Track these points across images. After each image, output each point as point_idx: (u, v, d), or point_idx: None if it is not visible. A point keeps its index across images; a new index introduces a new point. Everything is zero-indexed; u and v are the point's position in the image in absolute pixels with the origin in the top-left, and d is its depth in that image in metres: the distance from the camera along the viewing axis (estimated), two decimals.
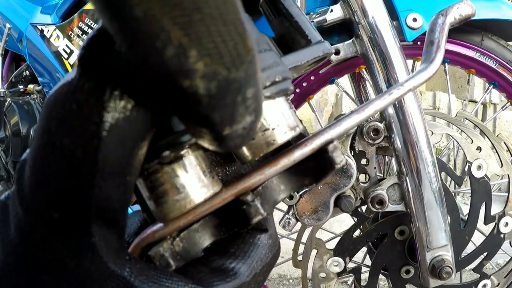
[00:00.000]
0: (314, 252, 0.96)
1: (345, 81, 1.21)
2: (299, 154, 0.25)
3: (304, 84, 1.00)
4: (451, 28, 0.32)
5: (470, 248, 0.95)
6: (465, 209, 0.98)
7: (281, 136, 0.24)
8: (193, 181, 0.23)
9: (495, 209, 0.94)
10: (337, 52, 0.87)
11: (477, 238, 1.00)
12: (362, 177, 0.85)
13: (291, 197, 0.76)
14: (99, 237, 0.20)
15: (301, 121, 0.26)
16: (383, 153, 0.87)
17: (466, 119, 0.93)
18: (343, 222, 1.72)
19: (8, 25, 1.37)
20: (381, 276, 0.97)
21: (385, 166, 1.20)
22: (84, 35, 1.14)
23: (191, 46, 0.16)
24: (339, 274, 0.95)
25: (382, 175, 1.17)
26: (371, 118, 0.85)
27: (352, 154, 0.82)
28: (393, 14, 0.86)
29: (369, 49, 0.84)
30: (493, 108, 3.30)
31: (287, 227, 0.80)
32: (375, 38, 0.83)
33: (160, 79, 0.17)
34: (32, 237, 0.20)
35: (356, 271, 0.99)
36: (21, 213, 0.21)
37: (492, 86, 1.02)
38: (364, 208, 0.95)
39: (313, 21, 0.86)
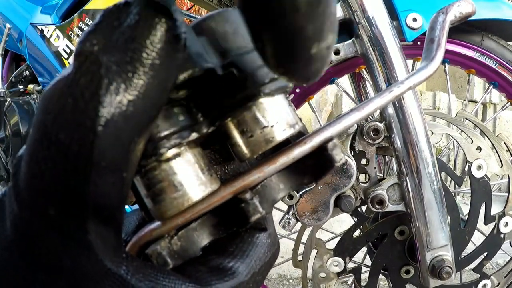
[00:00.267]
0: (314, 252, 0.96)
1: (345, 81, 1.21)
2: (298, 152, 0.25)
3: (304, 84, 1.00)
4: (451, 27, 0.32)
5: (470, 248, 0.95)
6: (465, 209, 0.98)
7: (280, 133, 0.24)
8: (191, 178, 0.23)
9: (495, 209, 0.94)
10: (337, 52, 0.87)
11: (477, 238, 1.00)
12: (362, 177, 0.85)
13: (291, 197, 0.76)
14: (96, 235, 0.20)
15: (300, 119, 0.26)
16: (383, 153, 0.87)
17: (466, 119, 0.93)
18: (343, 222, 1.72)
19: (8, 25, 1.37)
20: (381, 276, 0.97)
21: (385, 166, 1.20)
22: None
23: None
24: (339, 274, 0.95)
25: (382, 175, 1.17)
26: (371, 118, 0.85)
27: (352, 154, 0.82)
28: (393, 14, 0.86)
29: (369, 49, 0.84)
30: (493, 108, 3.30)
31: (287, 227, 0.80)
32: (375, 38, 0.83)
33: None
34: (27, 234, 0.20)
35: (356, 271, 0.99)
36: (16, 209, 0.20)
37: (492, 86, 1.02)
38: (364, 208, 0.95)
39: None
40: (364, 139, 0.81)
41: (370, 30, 0.83)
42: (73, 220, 0.20)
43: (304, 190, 0.76)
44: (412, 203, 0.84)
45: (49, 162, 0.19)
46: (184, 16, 1.25)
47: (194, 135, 0.23)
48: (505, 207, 0.94)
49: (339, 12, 0.85)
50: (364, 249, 1.02)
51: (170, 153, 0.23)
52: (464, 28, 0.96)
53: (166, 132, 0.22)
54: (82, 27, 1.17)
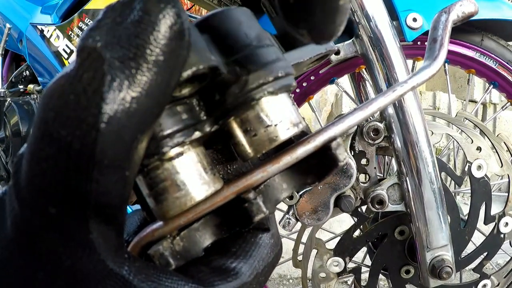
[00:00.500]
0: (314, 252, 0.96)
1: (345, 81, 1.21)
2: (302, 151, 0.25)
3: (304, 84, 1.00)
4: (453, 26, 0.32)
5: (470, 248, 0.95)
6: (465, 209, 0.98)
7: (284, 132, 0.24)
8: (194, 178, 0.23)
9: (495, 209, 0.94)
10: (337, 52, 0.87)
11: (477, 238, 1.00)
12: (362, 177, 0.85)
13: (291, 197, 0.76)
14: (97, 234, 0.20)
15: (303, 118, 0.26)
16: (383, 153, 0.87)
17: (466, 119, 0.93)
18: (343, 222, 1.72)
19: (8, 25, 1.37)
20: (381, 276, 0.97)
21: (385, 166, 1.20)
22: None
23: None
24: (339, 274, 0.95)
25: (382, 175, 1.17)
26: (371, 118, 0.85)
27: (352, 154, 0.82)
28: (393, 14, 0.86)
29: (369, 49, 0.84)
30: (493, 108, 3.30)
31: (287, 227, 0.80)
32: (375, 38, 0.83)
33: None
34: (27, 233, 0.20)
35: (356, 271, 0.99)
36: (17, 208, 0.20)
37: (492, 86, 1.02)
38: (364, 208, 0.95)
39: None
40: (364, 139, 0.81)
41: (370, 30, 0.83)
42: (75, 219, 0.19)
43: (304, 190, 0.76)
44: (412, 203, 0.84)
45: (50, 159, 0.19)
46: None
47: (197, 134, 0.23)
48: (505, 207, 0.94)
49: None
50: (364, 249, 1.02)
51: (173, 152, 0.22)
52: (464, 28, 0.96)
53: (169, 131, 0.22)
54: (82, 27, 1.17)
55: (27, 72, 1.42)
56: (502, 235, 0.94)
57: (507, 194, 0.94)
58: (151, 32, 0.19)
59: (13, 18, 1.38)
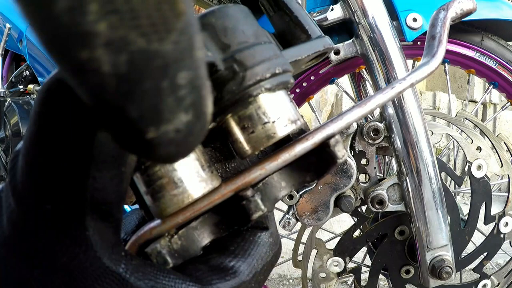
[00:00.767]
0: (314, 252, 0.96)
1: (345, 81, 1.21)
2: (300, 148, 0.25)
3: (304, 84, 1.00)
4: (451, 26, 0.32)
5: (470, 248, 0.95)
6: (465, 209, 0.98)
7: (282, 129, 0.24)
8: (191, 175, 0.23)
9: (495, 209, 0.94)
10: (337, 52, 0.87)
11: (477, 238, 1.00)
12: (362, 177, 0.85)
13: (291, 197, 0.76)
14: (94, 231, 0.19)
15: (302, 116, 0.26)
16: (383, 153, 0.87)
17: (466, 119, 0.93)
18: (343, 222, 1.72)
19: (8, 25, 1.36)
20: (381, 276, 0.97)
21: (385, 166, 1.20)
22: None
23: None
24: (339, 274, 0.95)
25: (382, 175, 1.17)
26: (371, 118, 0.85)
27: (352, 154, 0.82)
28: (393, 14, 0.86)
29: (369, 49, 0.84)
30: (493, 108, 3.30)
31: (287, 227, 0.80)
32: (375, 38, 0.83)
33: (53, 45, 0.12)
34: (24, 230, 0.20)
35: (356, 271, 0.98)
36: (13, 205, 0.20)
37: (492, 86, 1.02)
38: (364, 208, 0.95)
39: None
40: (364, 139, 0.81)
41: (370, 30, 0.83)
42: (71, 216, 0.19)
43: (304, 190, 0.76)
44: (412, 203, 0.83)
45: (46, 154, 0.19)
46: None
47: None
48: (505, 207, 0.94)
49: (339, 12, 0.85)
50: (364, 249, 1.02)
51: None
52: (464, 28, 0.96)
53: None
54: None
55: (27, 72, 1.42)
56: (502, 235, 0.94)
57: (507, 194, 0.94)
58: None
59: (13, 18, 1.38)
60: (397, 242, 0.91)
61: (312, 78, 0.99)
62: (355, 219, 0.95)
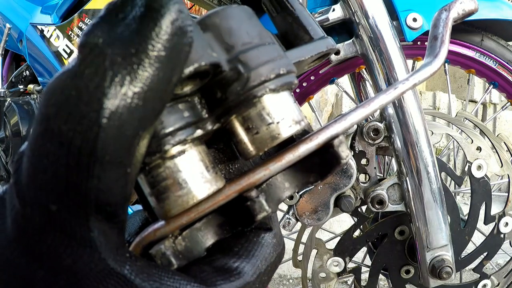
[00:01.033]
0: (314, 252, 0.96)
1: (345, 81, 1.21)
2: (304, 149, 0.25)
3: (304, 84, 1.00)
4: (453, 24, 0.32)
5: (470, 248, 0.95)
6: (465, 209, 0.98)
7: (286, 130, 0.24)
8: (196, 176, 0.23)
9: (495, 209, 0.94)
10: (337, 52, 0.87)
11: (477, 238, 1.00)
12: (362, 177, 0.85)
13: (291, 197, 0.76)
14: (98, 232, 0.19)
15: (305, 116, 0.26)
16: (383, 153, 0.87)
17: (466, 119, 0.93)
18: (343, 222, 1.73)
19: (8, 25, 1.36)
20: (381, 276, 0.97)
21: (385, 166, 1.20)
22: None
23: None
24: (339, 274, 0.95)
25: (382, 175, 1.17)
26: (371, 118, 0.85)
27: (352, 154, 0.82)
28: (393, 14, 0.86)
29: (369, 49, 0.84)
30: (493, 108, 3.30)
31: (287, 227, 0.80)
32: (375, 38, 0.83)
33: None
34: (28, 231, 0.20)
35: (356, 271, 0.99)
36: (17, 206, 0.20)
37: (492, 86, 1.02)
38: (364, 208, 0.95)
39: None
40: (364, 139, 0.81)
41: (370, 30, 0.83)
42: (75, 217, 0.19)
43: (304, 190, 0.76)
44: (412, 203, 0.84)
45: (51, 155, 0.19)
46: None
47: (199, 132, 0.23)
48: (505, 207, 0.94)
49: (339, 12, 0.85)
50: (364, 249, 1.02)
51: (175, 150, 0.22)
52: (464, 28, 0.96)
53: (170, 129, 0.22)
54: (82, 27, 1.17)
55: (27, 72, 1.42)
56: (502, 235, 0.94)
57: (507, 194, 0.95)
58: (153, 27, 0.18)
59: (13, 18, 1.38)
60: (397, 242, 0.92)
61: (312, 78, 0.99)
62: (355, 219, 0.95)
